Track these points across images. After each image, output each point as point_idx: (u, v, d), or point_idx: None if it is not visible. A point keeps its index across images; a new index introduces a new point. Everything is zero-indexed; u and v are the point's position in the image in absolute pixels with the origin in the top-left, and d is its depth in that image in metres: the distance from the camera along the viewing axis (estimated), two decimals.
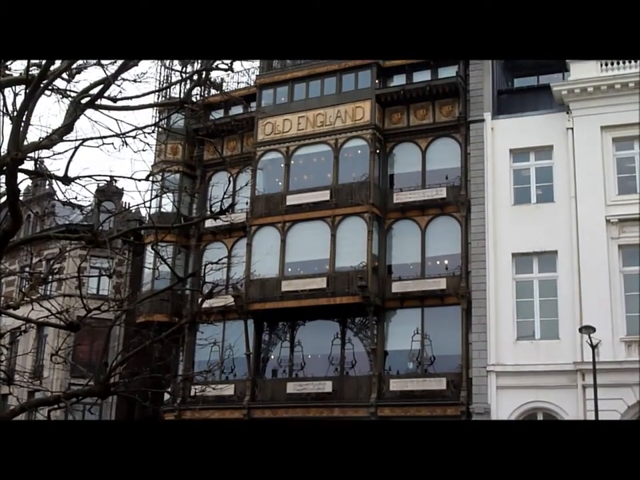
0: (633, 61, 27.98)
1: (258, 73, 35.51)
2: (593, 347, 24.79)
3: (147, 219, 28.09)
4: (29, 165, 10.99)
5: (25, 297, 13.67)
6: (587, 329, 25.07)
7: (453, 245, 30.53)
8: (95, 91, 11.45)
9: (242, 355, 32.93)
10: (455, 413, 28.58)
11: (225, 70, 14.31)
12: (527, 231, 28.46)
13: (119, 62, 11.07)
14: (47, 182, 32.95)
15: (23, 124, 9.84)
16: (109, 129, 11.26)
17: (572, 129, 28.71)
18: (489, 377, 28.18)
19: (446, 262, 30.78)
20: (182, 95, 23.39)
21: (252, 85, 35.96)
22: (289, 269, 32.71)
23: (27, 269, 33.07)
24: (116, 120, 11.14)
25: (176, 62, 20.79)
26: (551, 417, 27.28)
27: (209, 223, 33.84)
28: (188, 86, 18.46)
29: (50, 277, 17.14)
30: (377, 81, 32.90)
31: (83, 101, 11.48)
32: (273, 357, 33.61)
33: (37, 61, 10.53)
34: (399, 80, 33.43)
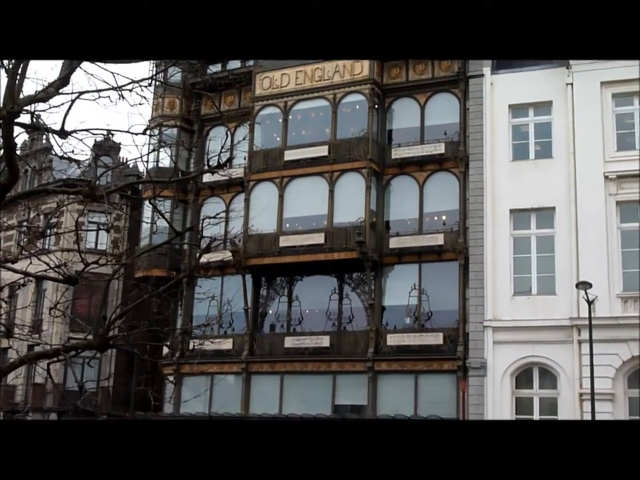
0: None
1: None
2: (589, 302, 24.94)
3: (145, 173, 28.05)
4: (25, 118, 10.89)
5: (23, 251, 13.69)
6: (584, 285, 25.20)
7: (450, 201, 30.53)
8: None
9: (240, 310, 33.06)
10: (451, 368, 28.88)
11: None
12: (525, 187, 28.45)
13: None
14: (44, 136, 32.82)
15: (18, 77, 9.79)
16: (106, 82, 11.14)
17: (571, 84, 28.56)
18: (485, 332, 28.36)
19: (444, 218, 30.83)
20: None
21: None
22: (287, 225, 32.75)
23: (25, 224, 33.10)
24: (112, 73, 11.03)
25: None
26: (547, 371, 27.52)
27: (206, 178, 33.82)
28: None
29: (48, 231, 17.13)
30: None
31: None
32: (270, 311, 33.75)
33: None
34: None
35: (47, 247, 34.64)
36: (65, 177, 36.90)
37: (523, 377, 28.17)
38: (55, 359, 12.12)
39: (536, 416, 27.49)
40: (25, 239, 17.16)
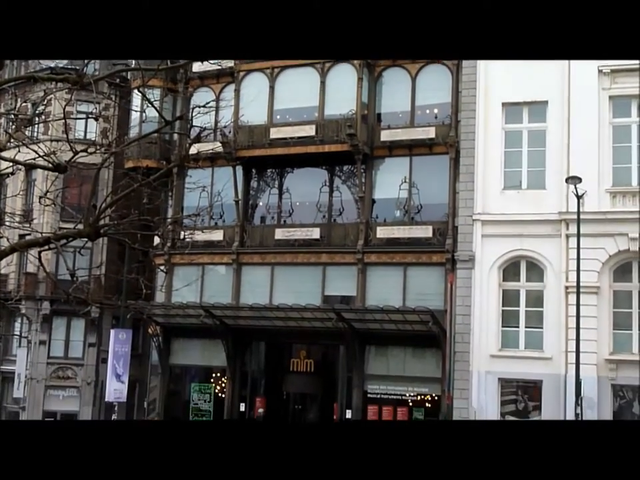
0: None
1: None
2: (579, 197, 25.12)
3: (133, 61, 27.60)
4: None
5: (12, 139, 13.59)
6: (574, 179, 25.34)
7: (443, 94, 30.22)
8: None
9: (231, 202, 33.20)
10: (440, 260, 29.22)
11: None
12: (518, 81, 28.16)
13: None
14: None
15: None
16: None
17: None
18: (474, 225, 28.59)
19: (435, 111, 30.60)
20: None
21: None
22: (278, 116, 32.48)
23: (13, 112, 32.75)
24: None
25: None
26: (534, 264, 27.93)
27: (196, 68, 33.29)
28: None
29: (36, 119, 16.95)
30: None
31: None
32: (261, 203, 33.85)
33: None
34: None
35: (35, 136, 34.53)
36: (52, 64, 36.36)
37: (510, 270, 28.53)
38: (47, 247, 12.19)
39: (522, 308, 27.97)
40: (13, 127, 17.00)
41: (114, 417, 34.55)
